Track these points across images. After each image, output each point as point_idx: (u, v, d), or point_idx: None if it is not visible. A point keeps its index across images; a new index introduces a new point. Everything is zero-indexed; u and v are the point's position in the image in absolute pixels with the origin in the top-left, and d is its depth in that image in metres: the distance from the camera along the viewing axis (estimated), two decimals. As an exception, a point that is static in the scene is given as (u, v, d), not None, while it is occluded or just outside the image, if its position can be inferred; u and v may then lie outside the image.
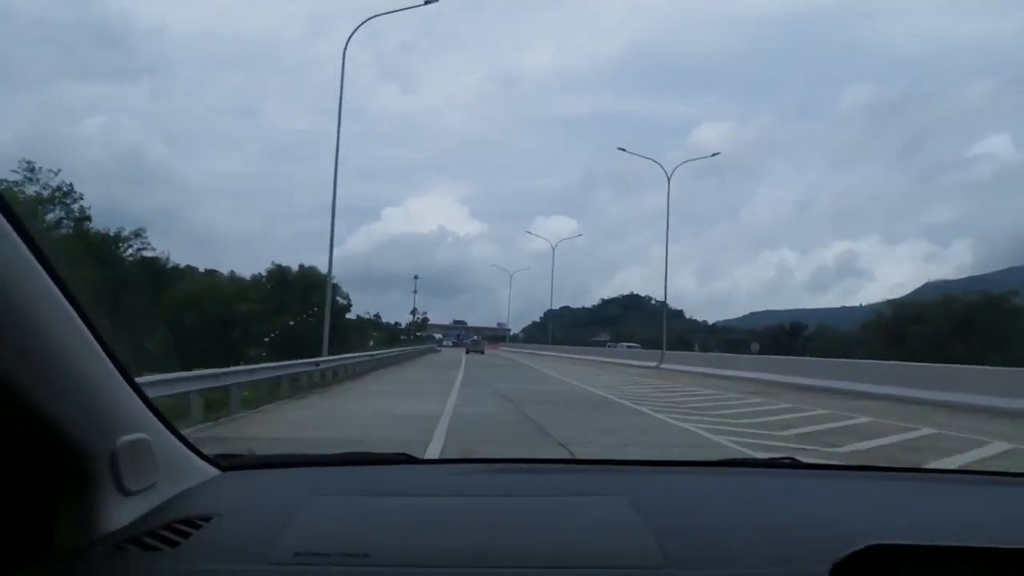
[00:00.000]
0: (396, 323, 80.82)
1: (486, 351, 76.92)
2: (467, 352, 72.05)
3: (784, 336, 72.92)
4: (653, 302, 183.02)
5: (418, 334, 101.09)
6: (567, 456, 7.37)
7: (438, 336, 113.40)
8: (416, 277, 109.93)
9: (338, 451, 1.90)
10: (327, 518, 1.35)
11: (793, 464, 1.99)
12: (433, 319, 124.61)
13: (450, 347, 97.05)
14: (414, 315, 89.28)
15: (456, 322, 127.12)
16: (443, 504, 1.48)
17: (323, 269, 31.81)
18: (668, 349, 42.50)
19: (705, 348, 68.51)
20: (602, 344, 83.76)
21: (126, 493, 1.22)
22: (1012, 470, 1.92)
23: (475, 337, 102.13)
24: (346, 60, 25.75)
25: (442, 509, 1.44)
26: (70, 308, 1.07)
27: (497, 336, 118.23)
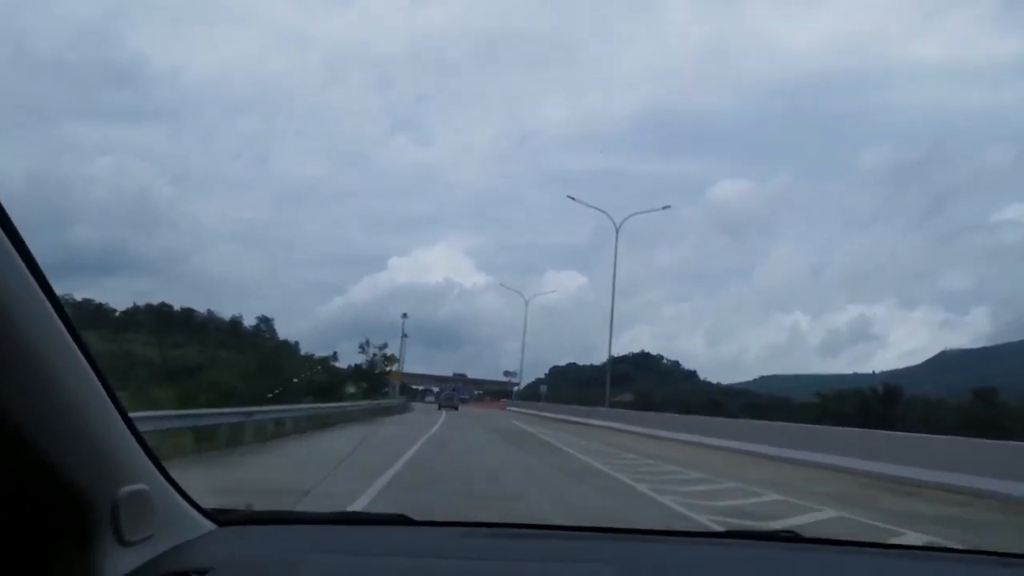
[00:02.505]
0: (356, 365, 59.96)
1: (474, 409, 68.25)
2: (439, 408, 62.71)
3: (876, 403, 61.10)
4: (665, 361, 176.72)
5: (384, 390, 66.36)
6: (562, 522, 6.27)
7: (434, 389, 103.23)
8: (404, 316, 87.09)
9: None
10: None
11: (794, 538, 1.92)
12: (434, 372, 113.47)
13: (433, 405, 74.91)
14: (365, 350, 61.56)
15: (456, 375, 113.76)
16: (437, 567, 1.48)
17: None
18: (694, 413, 38.29)
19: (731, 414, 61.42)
20: (619, 405, 75.42)
21: (125, 544, 1.22)
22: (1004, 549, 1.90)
23: (449, 389, 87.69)
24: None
25: (436, 572, 1.44)
26: (80, 354, 1.07)
27: (501, 391, 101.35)
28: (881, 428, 27.65)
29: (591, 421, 40.49)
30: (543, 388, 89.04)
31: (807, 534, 1.99)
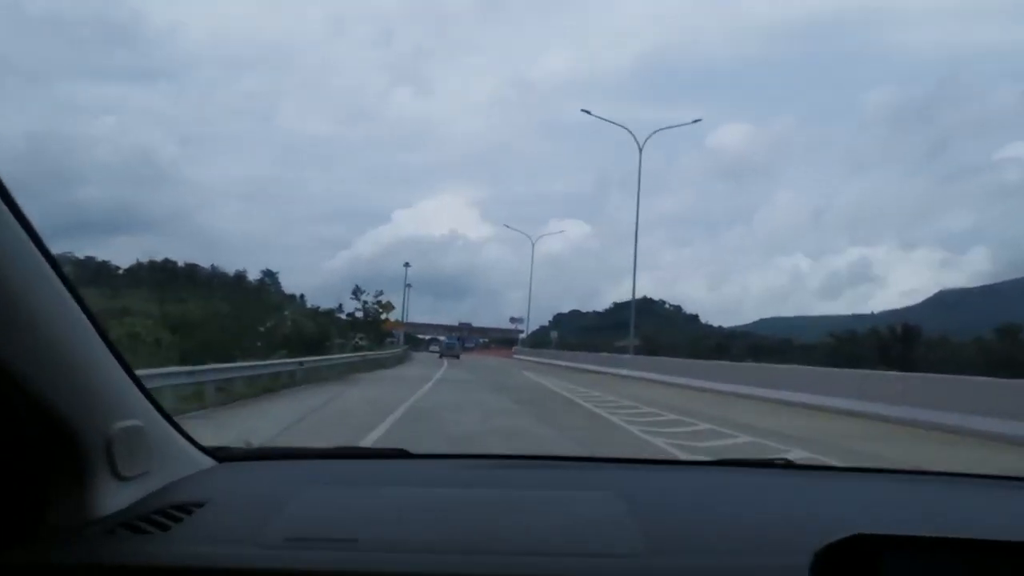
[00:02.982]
0: (349, 315, 51.52)
1: (480, 358, 64.30)
2: (440, 356, 59.80)
3: (896, 343, 58.12)
4: (667, 306, 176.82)
5: (388, 340, 60.01)
6: (531, 417, 7.41)
7: (440, 338, 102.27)
8: (407, 265, 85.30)
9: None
10: (318, 506, 1.37)
11: (786, 464, 1.97)
12: (440, 321, 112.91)
13: (437, 354, 67.59)
14: (358, 298, 52.52)
15: (462, 323, 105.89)
16: (433, 495, 1.49)
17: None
18: (701, 358, 35.16)
19: (737, 357, 60.62)
20: (625, 350, 72.85)
21: (120, 479, 1.24)
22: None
23: (452, 337, 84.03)
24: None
25: (432, 500, 1.45)
26: (69, 296, 1.09)
27: (507, 339, 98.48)
28: (902, 370, 26.78)
29: (617, 371, 34.05)
30: (554, 334, 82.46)
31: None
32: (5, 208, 0.96)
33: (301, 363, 21.89)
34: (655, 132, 42.56)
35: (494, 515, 1.36)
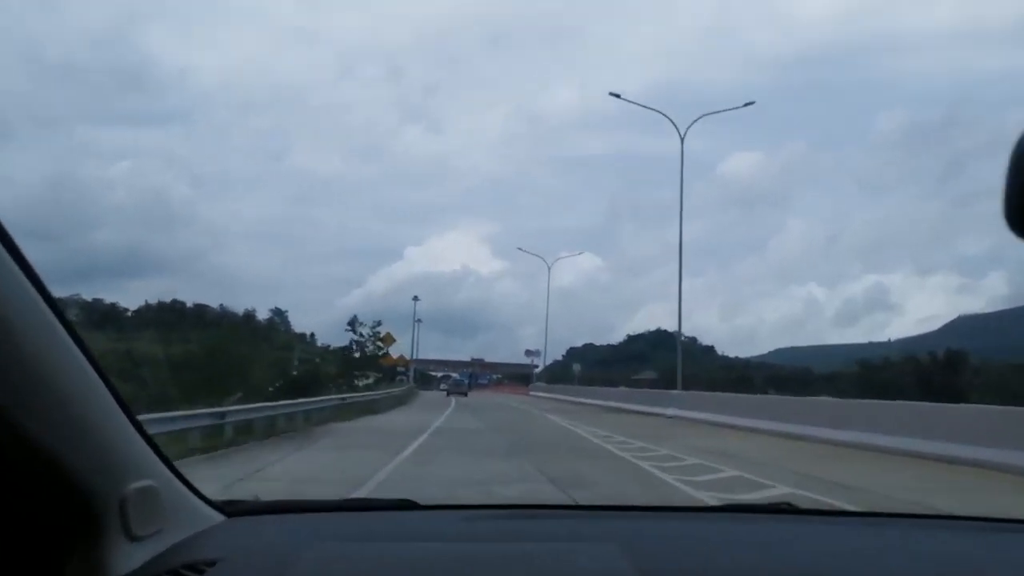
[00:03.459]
0: (341, 349, 45.57)
1: (492, 396, 60.84)
2: (448, 395, 58.30)
3: (937, 371, 53.31)
4: (683, 338, 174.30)
5: (399, 378, 54.44)
6: (567, 501, 6.10)
7: (453, 375, 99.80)
8: (416, 299, 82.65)
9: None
10: (329, 563, 1.37)
11: (791, 509, 1.95)
12: (453, 357, 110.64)
13: (444, 393, 64.28)
14: (354, 329, 45.64)
15: (474, 359, 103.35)
16: (442, 550, 1.50)
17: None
18: (726, 391, 33.36)
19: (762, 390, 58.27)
20: (642, 384, 70.73)
21: (134, 539, 1.24)
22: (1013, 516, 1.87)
23: (463, 374, 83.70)
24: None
25: (441, 555, 1.46)
26: (80, 353, 1.09)
27: (521, 375, 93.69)
28: (952, 400, 24.38)
29: (663, 411, 27.80)
30: (576, 367, 71.97)
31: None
32: (12, 263, 0.94)
33: (223, 415, 15.35)
34: (701, 117, 37.30)
35: (502, 571, 1.37)
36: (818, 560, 1.48)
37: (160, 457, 1.38)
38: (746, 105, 38.33)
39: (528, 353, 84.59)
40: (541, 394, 58.42)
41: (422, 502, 1.92)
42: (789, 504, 1.98)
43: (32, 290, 0.98)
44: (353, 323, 47.32)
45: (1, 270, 0.93)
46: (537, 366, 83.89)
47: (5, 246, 0.93)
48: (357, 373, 42.98)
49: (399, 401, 39.64)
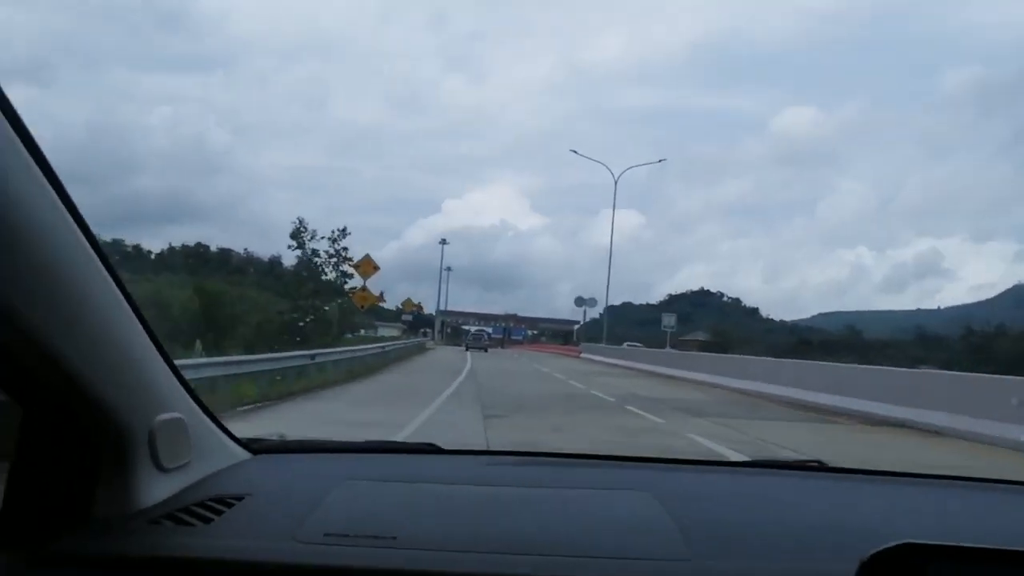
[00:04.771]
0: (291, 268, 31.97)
1: (527, 358, 44.85)
2: (467, 349, 51.79)
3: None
4: (725, 298, 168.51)
5: (423, 329, 54.21)
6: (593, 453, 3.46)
7: (487, 330, 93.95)
8: (443, 242, 77.02)
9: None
10: (356, 501, 1.39)
11: (820, 467, 1.96)
12: (489, 310, 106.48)
13: (466, 351, 50.00)
14: (300, 242, 29.18)
15: (508, 314, 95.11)
16: (470, 492, 1.50)
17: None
18: (781, 356, 27.51)
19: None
20: (691, 346, 62.72)
21: (162, 470, 1.26)
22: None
23: (497, 327, 78.02)
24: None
25: (469, 497, 1.47)
26: (116, 288, 1.11)
27: (561, 332, 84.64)
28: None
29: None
30: (669, 320, 43.20)
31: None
32: (59, 202, 0.96)
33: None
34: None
35: (531, 514, 1.36)
36: (846, 516, 1.48)
37: (189, 392, 1.39)
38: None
39: (580, 301, 65.44)
40: (598, 358, 41.88)
41: (446, 447, 1.94)
42: (820, 462, 1.98)
43: (74, 225, 0.99)
44: (299, 234, 28.60)
45: (45, 207, 0.94)
46: (578, 323, 77.05)
47: (52, 184, 0.95)
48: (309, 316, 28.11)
49: (406, 353, 34.04)
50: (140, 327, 1.19)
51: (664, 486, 1.59)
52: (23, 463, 1.16)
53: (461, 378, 21.93)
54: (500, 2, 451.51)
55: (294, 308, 28.57)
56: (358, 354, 23.97)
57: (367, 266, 27.86)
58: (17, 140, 0.88)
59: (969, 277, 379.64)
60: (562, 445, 9.53)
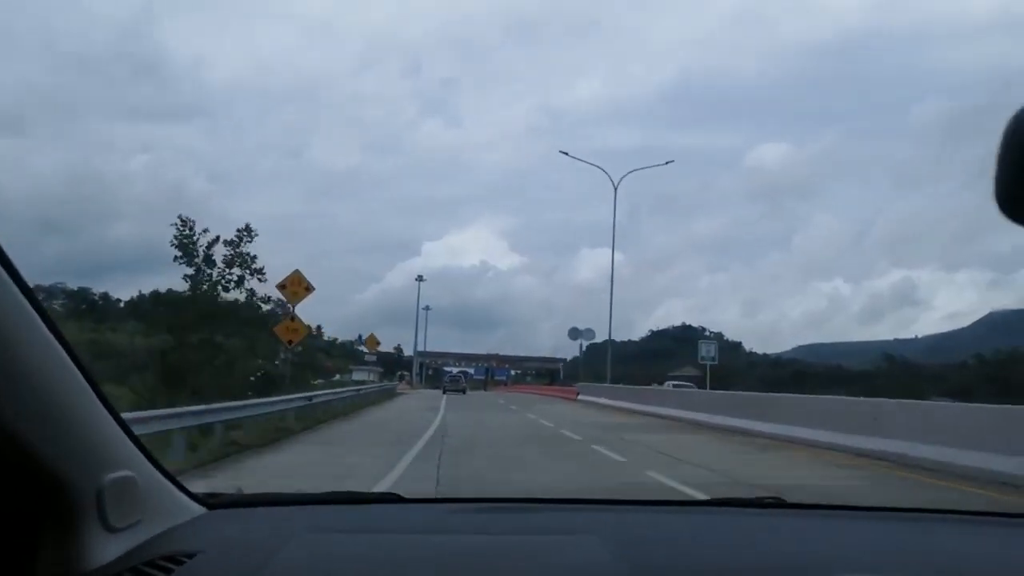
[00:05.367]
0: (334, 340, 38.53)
1: (522, 395, 47.00)
2: (444, 392, 49.05)
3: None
4: (707, 333, 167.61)
5: (400, 372, 54.31)
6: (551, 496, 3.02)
7: (469, 371, 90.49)
8: (420, 278, 74.90)
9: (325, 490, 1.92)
10: (312, 554, 1.36)
11: (778, 503, 1.93)
12: (471, 350, 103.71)
13: (443, 395, 46.49)
14: (188, 249, 18.72)
15: (490, 354, 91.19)
16: (425, 542, 1.50)
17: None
18: (775, 392, 24.11)
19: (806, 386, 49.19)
20: (682, 381, 61.09)
21: (111, 530, 1.22)
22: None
23: (471, 369, 74.74)
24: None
25: (424, 547, 1.46)
26: (56, 342, 1.08)
27: (545, 371, 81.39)
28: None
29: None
30: (709, 348, 35.18)
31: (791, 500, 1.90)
32: None
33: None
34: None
35: (485, 563, 1.36)
36: (807, 553, 1.46)
37: (140, 448, 1.35)
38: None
39: (575, 334, 55.89)
40: (603, 400, 34.01)
41: (406, 495, 1.93)
42: (777, 498, 1.95)
43: (6, 277, 0.96)
44: (186, 237, 19.35)
45: None
46: (563, 360, 74.43)
47: None
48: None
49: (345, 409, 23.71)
50: (84, 381, 1.15)
51: (619, 528, 1.58)
52: None
53: (415, 451, 13.27)
54: (475, 48, 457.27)
55: (176, 346, 19.48)
56: (263, 410, 15.35)
57: (296, 285, 19.69)
58: None
59: (944, 306, 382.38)
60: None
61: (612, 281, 46.50)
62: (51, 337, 1.06)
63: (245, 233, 20.12)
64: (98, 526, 1.19)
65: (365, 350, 43.56)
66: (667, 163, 54.32)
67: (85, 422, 1.17)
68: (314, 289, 20.34)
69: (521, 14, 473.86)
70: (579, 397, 40.33)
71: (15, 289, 0.98)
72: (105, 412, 1.22)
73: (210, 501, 1.63)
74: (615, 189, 42.58)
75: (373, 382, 51.25)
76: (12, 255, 0.97)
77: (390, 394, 41.27)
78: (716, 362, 34.39)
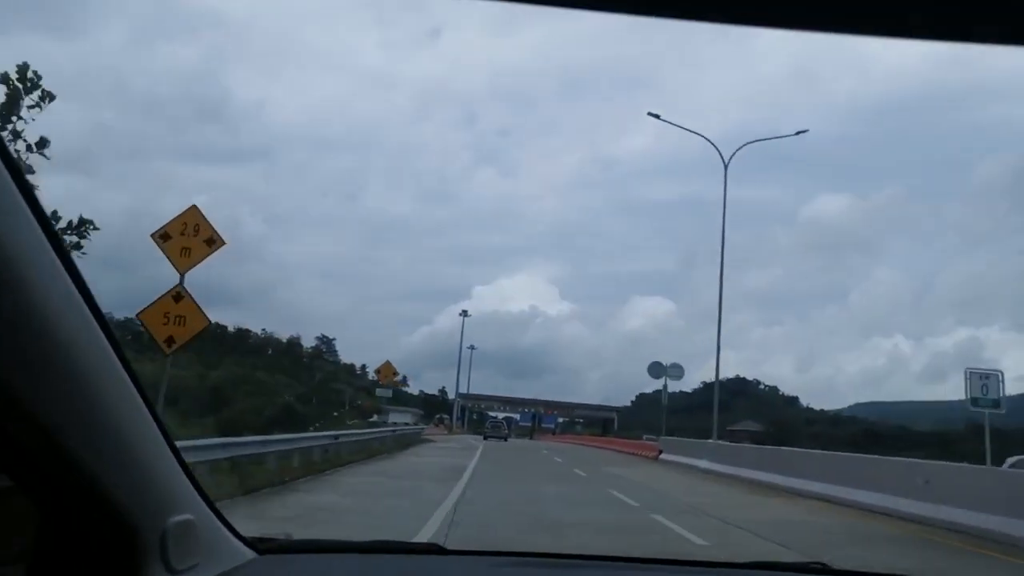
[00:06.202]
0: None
1: (583, 450, 38.69)
2: (485, 438, 47.87)
3: None
4: (762, 386, 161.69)
5: (438, 416, 54.13)
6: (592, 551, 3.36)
7: (515, 416, 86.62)
8: (464, 313, 71.40)
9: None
10: None
11: (823, 570, 1.92)
12: (517, 395, 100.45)
13: (484, 440, 46.33)
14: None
15: (536, 400, 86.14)
16: None
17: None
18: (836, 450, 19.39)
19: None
20: (741, 437, 56.75)
21: (172, 572, 1.25)
22: None
23: (511, 416, 72.14)
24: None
25: None
26: (131, 384, 1.10)
27: (598, 419, 75.51)
28: None
29: None
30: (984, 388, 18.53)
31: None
32: (72, 285, 0.92)
33: None
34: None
35: None
36: None
37: (199, 491, 1.39)
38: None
39: (658, 370, 40.99)
40: (702, 464, 24.49)
41: (450, 547, 1.98)
42: (824, 564, 1.93)
43: (91, 319, 0.97)
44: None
45: (60, 292, 0.91)
46: (617, 408, 69.64)
47: (67, 268, 0.92)
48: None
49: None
50: (153, 423, 1.17)
51: None
52: (39, 566, 1.13)
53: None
54: (530, 101, 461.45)
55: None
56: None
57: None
58: (31, 217, 0.83)
59: (1012, 367, 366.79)
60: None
61: (720, 286, 31.82)
62: (128, 380, 1.07)
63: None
64: (161, 568, 1.22)
65: (379, 386, 36.27)
66: (798, 133, 35.18)
67: (153, 464, 1.18)
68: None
69: (571, 69, 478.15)
70: (661, 456, 29.98)
71: (99, 330, 0.97)
72: (171, 454, 1.24)
73: (260, 546, 1.67)
74: (725, 167, 33.30)
75: (407, 424, 48.56)
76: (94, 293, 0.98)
77: (412, 442, 33.08)
78: (1002, 411, 18.91)
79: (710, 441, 28.32)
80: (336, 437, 20.70)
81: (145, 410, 1.15)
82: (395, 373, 28.57)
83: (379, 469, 19.37)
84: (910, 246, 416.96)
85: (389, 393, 35.39)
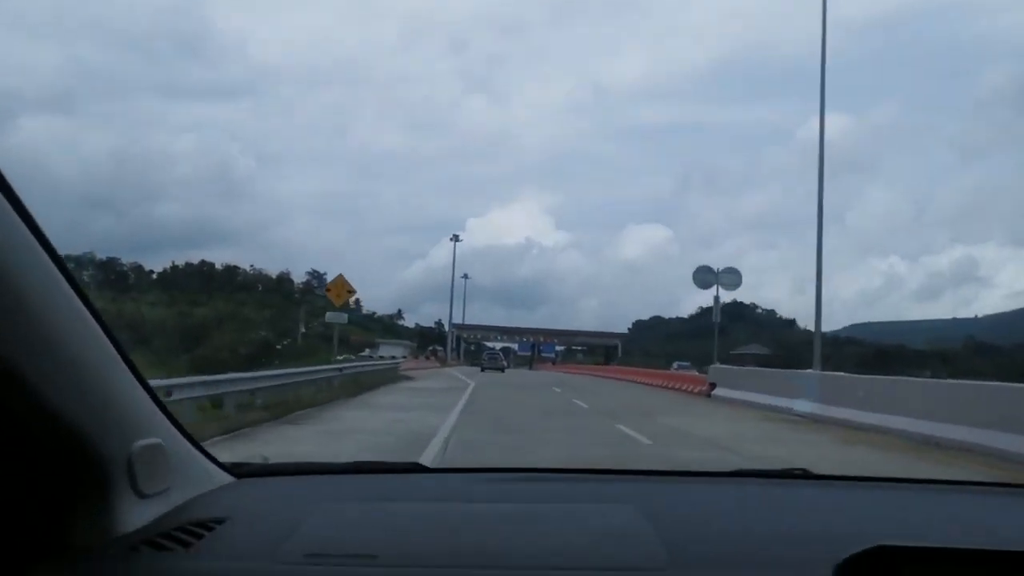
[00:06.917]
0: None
1: (591, 382, 35.79)
2: (482, 370, 48.25)
3: None
4: (759, 310, 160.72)
5: (432, 347, 50.01)
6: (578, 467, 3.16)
7: (513, 347, 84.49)
8: (455, 237, 68.67)
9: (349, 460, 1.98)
10: (337, 522, 1.40)
11: (804, 475, 1.98)
12: (515, 324, 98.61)
13: (482, 372, 46.05)
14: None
15: (537, 329, 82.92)
16: (452, 509, 1.52)
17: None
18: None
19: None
20: (748, 360, 55.41)
21: (141, 496, 1.26)
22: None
23: (508, 346, 71.19)
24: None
25: (450, 514, 1.48)
26: (88, 314, 1.12)
27: (603, 346, 71.55)
28: None
29: None
30: None
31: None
32: (19, 221, 0.95)
33: None
34: None
35: (513, 529, 1.37)
36: (826, 522, 1.49)
37: (168, 416, 1.39)
38: None
39: (706, 276, 31.81)
40: (810, 408, 16.49)
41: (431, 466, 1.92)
42: (804, 470, 1.98)
43: (38, 248, 0.99)
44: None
45: (6, 229, 0.94)
46: (620, 335, 66.61)
47: (12, 205, 0.94)
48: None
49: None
50: (114, 351, 1.18)
51: (648, 498, 1.60)
52: (4, 502, 1.12)
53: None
54: (518, 27, 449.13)
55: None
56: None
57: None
58: None
59: (1007, 283, 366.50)
60: None
61: (820, 201, 24.59)
62: (82, 307, 1.08)
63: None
64: (129, 492, 1.22)
65: (331, 308, 27.77)
66: None
67: (115, 390, 1.19)
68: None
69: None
70: (713, 393, 23.27)
71: (47, 259, 1.00)
72: (135, 380, 1.25)
73: (236, 470, 1.66)
74: (823, 84, 24.82)
75: (394, 358, 46.30)
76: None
77: (376, 380, 26.50)
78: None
79: (808, 371, 20.80)
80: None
81: (104, 338, 1.14)
82: (350, 291, 22.95)
83: (375, 400, 16.23)
84: (906, 163, 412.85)
85: (344, 318, 27.11)
